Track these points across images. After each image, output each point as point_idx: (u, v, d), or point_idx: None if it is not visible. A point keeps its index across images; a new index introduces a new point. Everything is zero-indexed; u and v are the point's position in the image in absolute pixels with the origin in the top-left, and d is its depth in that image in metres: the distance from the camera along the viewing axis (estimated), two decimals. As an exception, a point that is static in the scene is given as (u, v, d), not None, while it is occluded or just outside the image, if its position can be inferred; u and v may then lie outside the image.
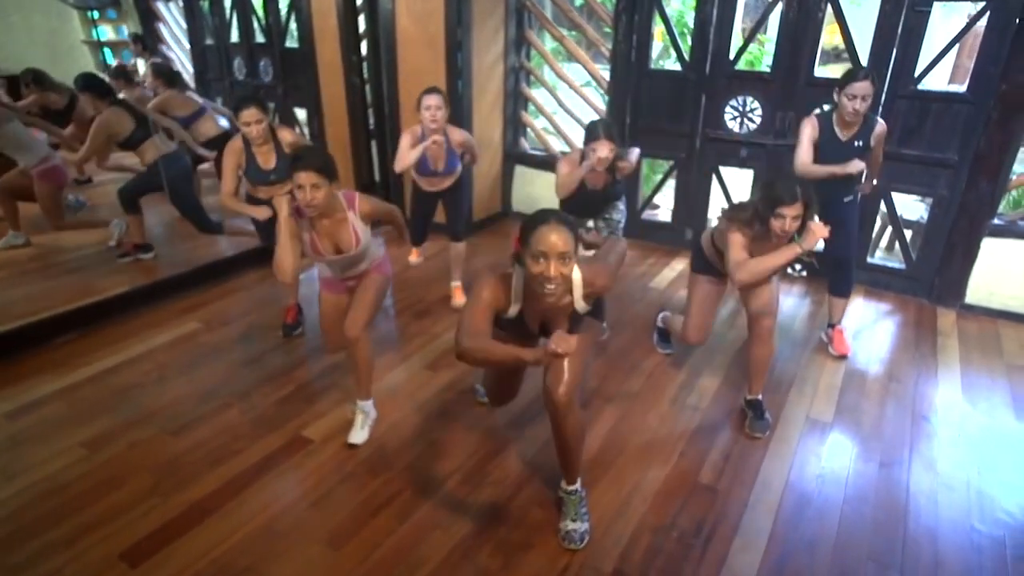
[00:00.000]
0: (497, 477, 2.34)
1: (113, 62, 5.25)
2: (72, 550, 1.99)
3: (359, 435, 2.48)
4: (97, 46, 5.14)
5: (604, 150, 2.81)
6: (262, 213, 3.00)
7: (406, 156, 3.21)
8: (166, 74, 4.70)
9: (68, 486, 2.25)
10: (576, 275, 1.91)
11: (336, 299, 2.61)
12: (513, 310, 1.94)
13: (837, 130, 2.87)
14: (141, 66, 5.49)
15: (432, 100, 3.16)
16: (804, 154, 2.88)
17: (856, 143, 2.86)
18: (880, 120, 2.92)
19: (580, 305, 1.98)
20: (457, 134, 3.36)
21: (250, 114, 2.84)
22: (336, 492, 2.26)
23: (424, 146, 3.17)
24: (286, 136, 3.04)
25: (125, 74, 4.91)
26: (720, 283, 2.71)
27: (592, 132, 2.84)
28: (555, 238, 1.70)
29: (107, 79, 4.71)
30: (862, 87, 2.70)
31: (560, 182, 2.96)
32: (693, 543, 2.08)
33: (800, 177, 2.72)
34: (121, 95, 4.74)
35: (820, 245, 3.19)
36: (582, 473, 2.15)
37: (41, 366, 2.96)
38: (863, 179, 3.18)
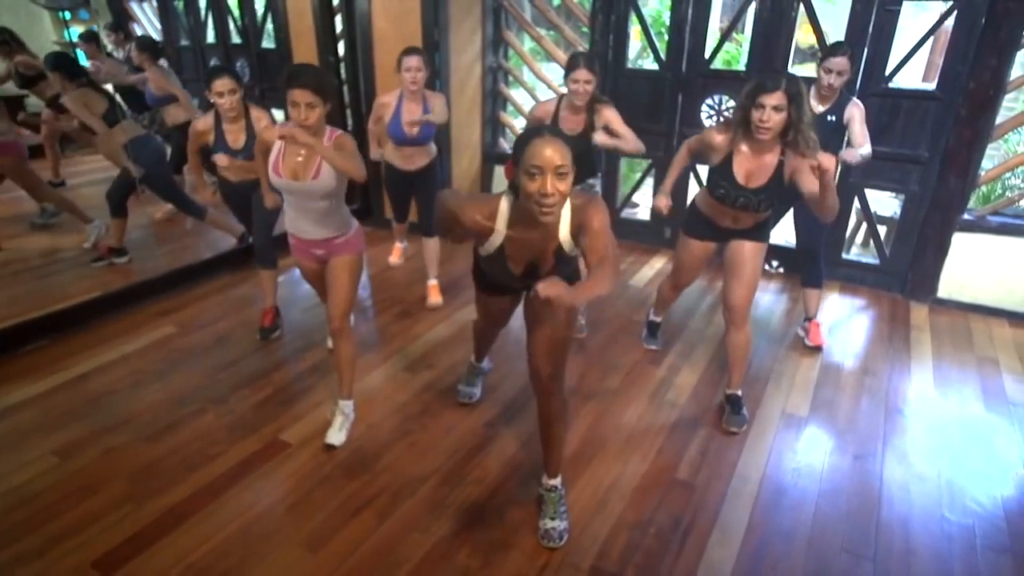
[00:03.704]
0: (476, 477, 2.34)
1: (87, 63, 5.17)
2: (43, 560, 1.95)
3: (337, 436, 2.47)
4: (70, 47, 5.06)
5: (583, 79, 2.77)
6: (203, 195, 3.15)
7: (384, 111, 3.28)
8: (151, 48, 4.61)
9: (40, 495, 2.21)
10: (566, 203, 1.74)
11: (310, 266, 2.53)
12: (496, 239, 1.81)
13: (813, 102, 2.93)
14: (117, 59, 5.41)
15: (412, 61, 3.13)
16: None
17: (829, 117, 2.92)
18: (855, 99, 2.95)
19: (566, 239, 1.78)
20: (438, 102, 3.32)
21: (223, 83, 2.76)
22: (314, 495, 2.24)
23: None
24: (260, 116, 2.95)
25: (95, 38, 4.82)
26: (709, 247, 2.70)
27: (573, 62, 2.79)
28: (550, 151, 1.57)
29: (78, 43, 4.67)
30: (839, 62, 2.77)
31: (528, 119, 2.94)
32: (671, 538, 2.10)
33: None
34: (91, 63, 4.66)
35: (792, 239, 3.26)
36: (561, 470, 2.16)
37: (11, 373, 2.90)
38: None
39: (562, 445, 2.11)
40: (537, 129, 1.64)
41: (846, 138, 3.00)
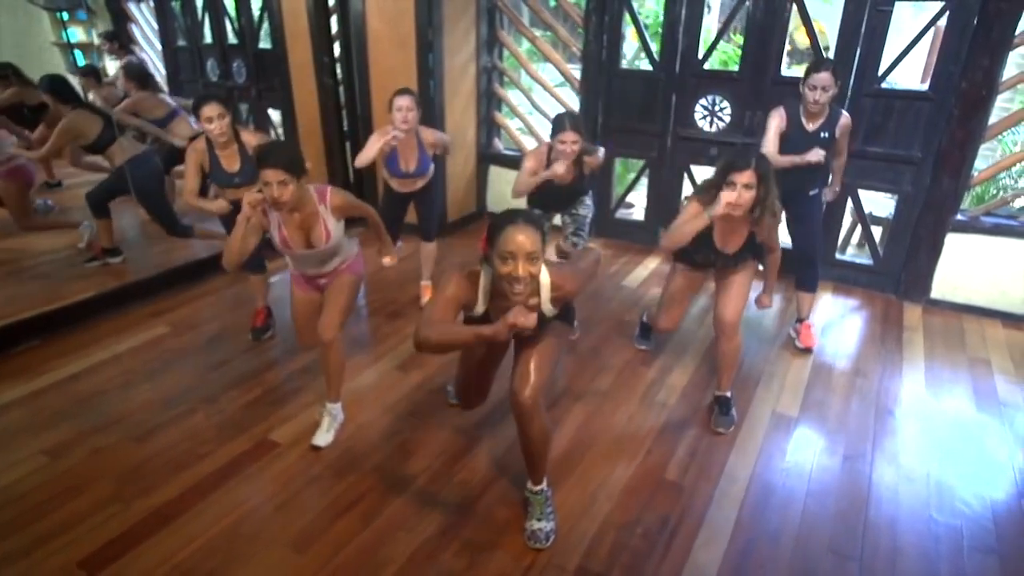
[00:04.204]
0: (464, 477, 2.34)
1: (84, 64, 5.17)
2: (29, 560, 1.95)
3: (324, 437, 2.47)
4: (67, 48, 5.06)
5: (570, 140, 2.80)
6: (218, 206, 3.00)
7: (369, 150, 3.20)
8: (138, 76, 4.63)
9: (28, 495, 2.21)
10: (544, 277, 1.90)
11: (307, 297, 2.60)
12: (479, 307, 1.94)
13: (804, 121, 2.93)
14: (112, 66, 5.42)
15: (403, 101, 3.14)
16: (770, 144, 2.93)
17: (822, 134, 2.92)
18: (844, 112, 2.98)
19: (547, 308, 1.95)
20: (429, 135, 3.33)
21: (211, 109, 2.78)
22: (302, 495, 2.24)
23: (385, 140, 3.12)
24: (251, 139, 2.98)
25: (95, 72, 4.85)
26: (697, 274, 2.72)
27: (559, 124, 2.84)
28: (522, 238, 1.69)
29: (76, 79, 4.67)
30: (822, 78, 2.77)
31: (520, 179, 2.97)
32: (657, 539, 2.10)
33: None
34: (90, 95, 4.69)
35: (787, 240, 3.26)
36: (549, 472, 2.16)
37: (2, 373, 2.90)
38: (829, 180, 3.22)
39: (545, 458, 2.09)
40: (512, 215, 1.76)
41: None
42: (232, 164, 2.95)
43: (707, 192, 2.40)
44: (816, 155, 2.85)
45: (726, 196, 2.25)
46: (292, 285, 2.62)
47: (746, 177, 2.23)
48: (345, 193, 2.45)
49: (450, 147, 3.56)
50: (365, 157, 3.22)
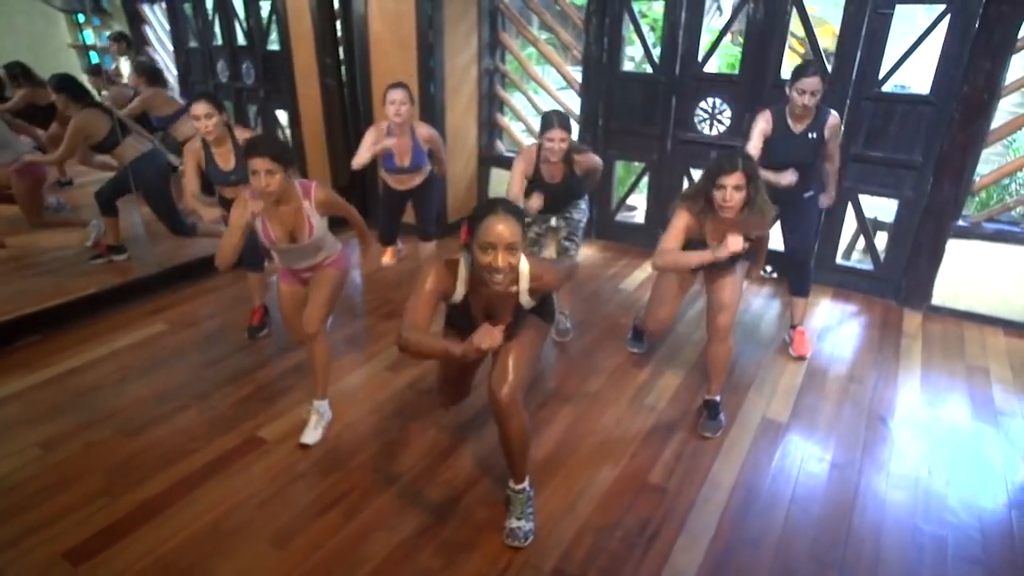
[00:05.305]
0: (447, 477, 2.36)
1: (96, 63, 5.26)
2: (15, 550, 2.00)
3: (311, 435, 2.49)
4: (84, 50, 5.16)
5: (558, 138, 2.81)
6: (210, 215, 3.07)
7: (363, 152, 3.24)
8: (148, 72, 4.71)
9: (19, 486, 2.26)
10: (524, 267, 1.93)
11: (293, 290, 2.64)
12: (458, 294, 1.96)
13: (791, 123, 2.91)
14: (125, 66, 5.52)
15: (396, 95, 3.17)
16: (752, 148, 2.91)
17: (810, 135, 2.91)
18: (832, 112, 2.94)
19: (525, 299, 1.98)
20: (424, 129, 3.36)
21: (199, 107, 2.82)
22: (285, 492, 2.27)
23: (380, 148, 3.19)
24: (246, 137, 3.02)
25: (104, 71, 4.95)
26: (686, 275, 2.70)
27: (546, 122, 2.86)
28: (502, 228, 1.72)
29: (87, 78, 4.77)
30: (811, 83, 2.75)
31: (512, 181, 2.97)
32: (636, 542, 2.09)
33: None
34: (102, 93, 4.77)
35: (779, 244, 3.24)
36: (532, 473, 2.17)
37: (2, 368, 2.97)
38: (824, 183, 3.20)
39: (525, 457, 2.08)
40: (493, 205, 1.78)
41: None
42: (227, 162, 2.99)
43: (695, 198, 2.41)
44: (788, 178, 2.87)
45: (717, 197, 2.28)
46: (277, 280, 2.67)
47: (734, 179, 2.25)
48: (329, 190, 2.50)
49: (444, 156, 3.57)
50: (360, 159, 3.26)
